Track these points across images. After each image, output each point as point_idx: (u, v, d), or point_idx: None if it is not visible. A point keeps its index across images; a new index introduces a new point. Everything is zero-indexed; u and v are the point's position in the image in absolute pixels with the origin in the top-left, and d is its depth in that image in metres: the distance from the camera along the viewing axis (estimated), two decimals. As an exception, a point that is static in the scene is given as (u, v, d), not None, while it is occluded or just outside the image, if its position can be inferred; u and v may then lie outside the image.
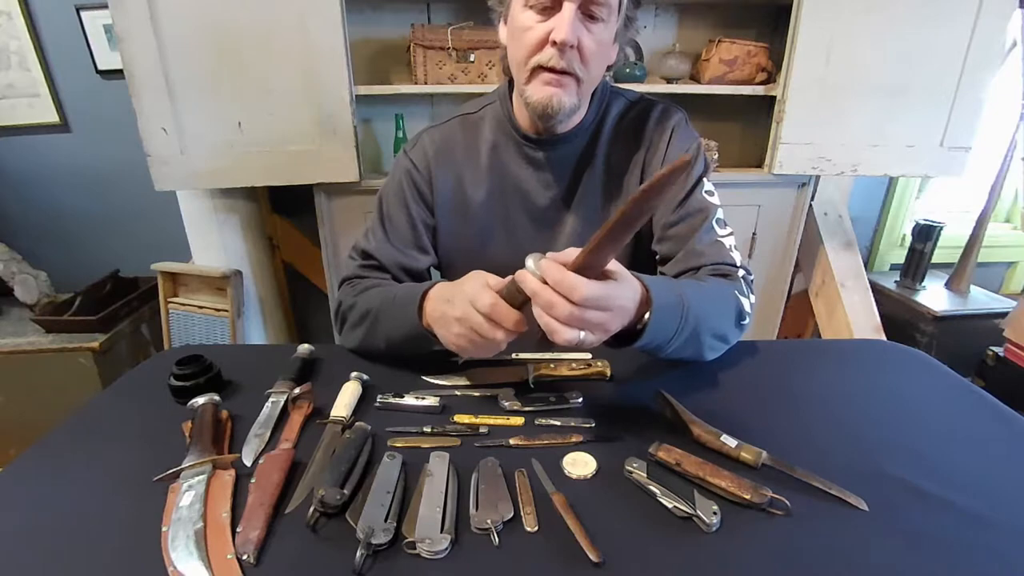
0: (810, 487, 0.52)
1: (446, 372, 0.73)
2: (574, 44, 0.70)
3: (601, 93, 0.86)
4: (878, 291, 2.00)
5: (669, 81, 1.77)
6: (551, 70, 0.72)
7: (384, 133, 1.85)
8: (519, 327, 0.58)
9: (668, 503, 0.50)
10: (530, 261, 0.55)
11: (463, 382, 0.71)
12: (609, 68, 0.82)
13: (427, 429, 0.62)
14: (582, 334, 0.54)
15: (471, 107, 0.90)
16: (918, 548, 0.46)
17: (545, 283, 0.53)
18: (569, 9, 0.68)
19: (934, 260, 2.04)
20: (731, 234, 0.82)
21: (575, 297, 0.51)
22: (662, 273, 0.85)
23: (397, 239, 0.86)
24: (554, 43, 0.69)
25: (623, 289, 0.57)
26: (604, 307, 0.54)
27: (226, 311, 1.69)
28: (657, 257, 0.86)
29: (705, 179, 0.84)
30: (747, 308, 0.76)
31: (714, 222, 0.81)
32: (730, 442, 0.56)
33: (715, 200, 0.83)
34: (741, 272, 0.79)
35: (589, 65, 0.73)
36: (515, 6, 0.73)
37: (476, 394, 0.69)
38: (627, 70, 1.71)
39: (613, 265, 0.57)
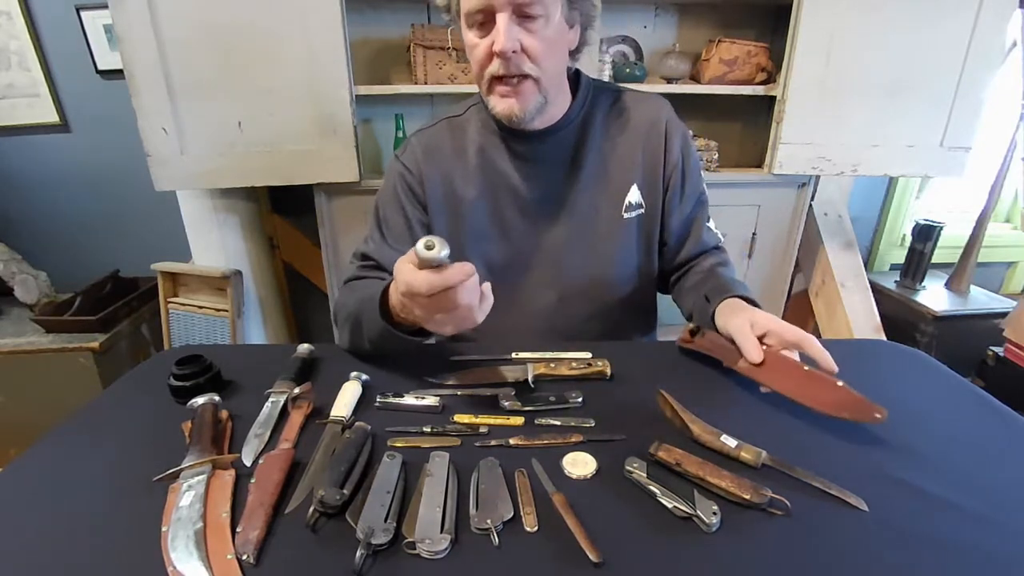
0: (810, 487, 0.52)
1: (446, 372, 0.73)
2: (516, 49, 0.71)
3: (585, 87, 0.87)
4: (878, 291, 2.00)
5: (669, 81, 1.77)
6: (503, 79, 0.74)
7: (384, 133, 1.85)
8: (464, 273, 0.57)
9: (668, 503, 0.50)
10: (420, 245, 0.55)
11: (463, 382, 0.71)
12: (575, 53, 0.83)
13: (427, 429, 0.62)
14: None
15: (456, 109, 0.92)
16: (918, 548, 0.46)
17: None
18: (502, 19, 0.70)
19: (934, 260, 2.04)
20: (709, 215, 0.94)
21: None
22: (667, 256, 0.94)
23: (394, 240, 0.86)
24: (496, 54, 0.72)
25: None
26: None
27: (226, 311, 1.69)
28: (665, 242, 0.92)
29: (698, 165, 0.91)
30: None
31: (708, 212, 0.92)
32: (730, 442, 0.56)
33: (704, 183, 0.92)
34: (722, 245, 0.95)
35: (540, 62, 0.74)
36: (463, 27, 0.76)
37: (476, 394, 0.69)
38: (627, 70, 1.71)
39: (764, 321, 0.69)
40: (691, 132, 0.97)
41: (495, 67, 0.74)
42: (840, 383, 0.61)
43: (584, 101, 0.86)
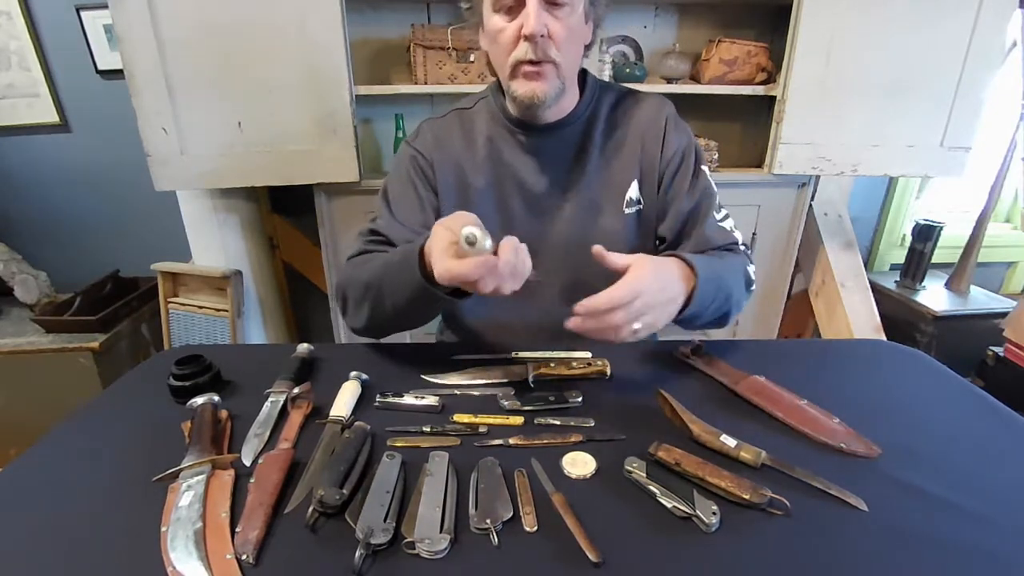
0: (810, 487, 0.52)
1: (446, 372, 0.73)
2: (544, 33, 0.73)
3: (592, 86, 0.88)
4: (878, 291, 1.99)
5: (669, 81, 1.77)
6: (529, 62, 0.76)
7: (384, 133, 1.85)
8: (508, 258, 0.59)
9: (668, 503, 0.50)
10: (463, 241, 0.57)
11: (463, 382, 0.71)
12: (587, 48, 0.84)
13: (427, 429, 0.62)
14: (636, 325, 0.63)
15: (466, 103, 0.93)
16: (918, 548, 0.46)
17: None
18: (532, 3, 0.72)
19: (934, 260, 2.03)
20: (728, 216, 0.90)
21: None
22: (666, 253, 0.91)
23: (404, 217, 0.87)
24: (525, 37, 0.73)
25: (648, 277, 0.66)
26: (634, 296, 0.63)
27: (226, 311, 1.69)
28: (664, 238, 0.90)
29: (702, 166, 0.90)
30: (752, 275, 0.86)
31: (715, 210, 0.89)
32: (730, 442, 0.56)
33: (714, 185, 0.90)
34: (743, 247, 0.90)
35: (563, 49, 0.76)
36: (486, 13, 0.78)
37: (476, 394, 0.69)
38: (627, 70, 1.71)
39: (634, 259, 0.67)
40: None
41: (522, 51, 0.75)
42: (836, 420, 0.61)
43: (591, 98, 0.88)
